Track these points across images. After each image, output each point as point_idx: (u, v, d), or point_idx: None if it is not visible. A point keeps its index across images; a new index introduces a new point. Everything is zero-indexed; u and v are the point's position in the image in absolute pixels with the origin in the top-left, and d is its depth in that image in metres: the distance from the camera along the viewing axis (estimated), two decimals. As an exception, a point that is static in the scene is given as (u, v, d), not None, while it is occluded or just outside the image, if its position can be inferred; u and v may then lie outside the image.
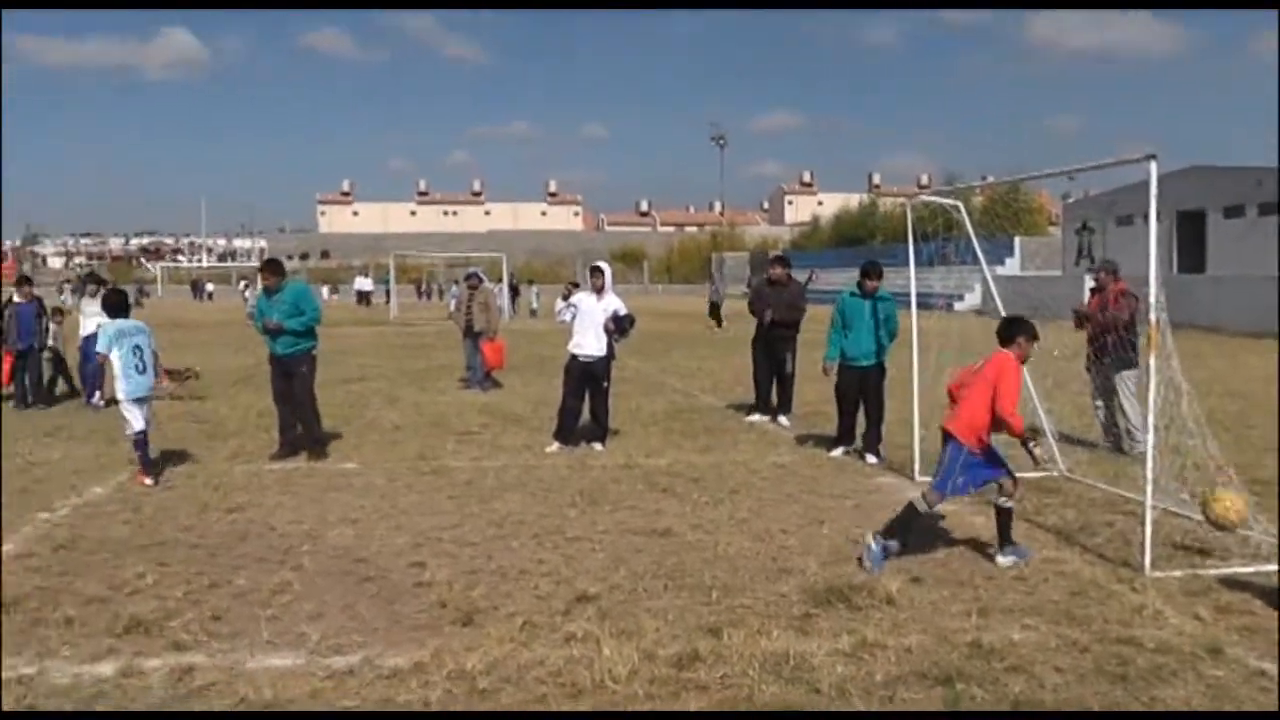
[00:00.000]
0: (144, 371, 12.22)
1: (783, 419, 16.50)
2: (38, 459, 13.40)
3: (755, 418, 16.72)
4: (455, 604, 7.67)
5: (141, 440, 12.08)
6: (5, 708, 6.01)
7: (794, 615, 7.47)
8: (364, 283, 78.75)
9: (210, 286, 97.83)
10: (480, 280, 22.15)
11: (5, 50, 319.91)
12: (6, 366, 18.35)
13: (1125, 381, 13.44)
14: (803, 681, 6.27)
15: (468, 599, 7.78)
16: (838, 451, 13.70)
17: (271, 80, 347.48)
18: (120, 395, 12.08)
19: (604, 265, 14.53)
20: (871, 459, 13.27)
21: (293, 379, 13.63)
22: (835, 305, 13.95)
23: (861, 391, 13.65)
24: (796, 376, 16.80)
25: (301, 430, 13.68)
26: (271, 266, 14.05)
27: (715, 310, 43.44)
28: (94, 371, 18.38)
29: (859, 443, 13.67)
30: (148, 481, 11.83)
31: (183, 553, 9.08)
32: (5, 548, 9.22)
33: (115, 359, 12.05)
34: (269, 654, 6.74)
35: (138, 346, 12.19)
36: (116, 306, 12.60)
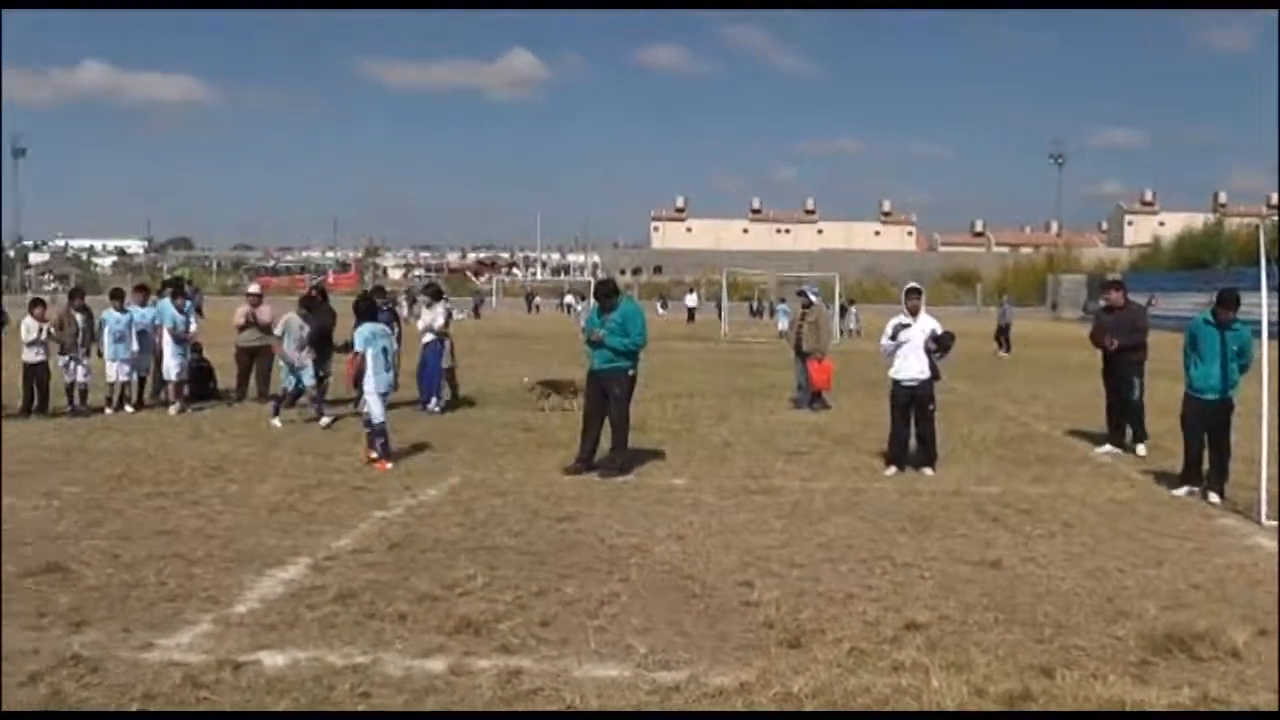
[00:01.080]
0: (389, 369, 13.68)
1: (1139, 448, 16.03)
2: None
3: (1105, 449, 16.25)
4: (782, 625, 7.71)
5: (382, 429, 13.38)
6: (338, 693, 6.35)
7: (1131, 661, 7.21)
8: (690, 299, 79.56)
9: (538, 299, 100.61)
10: (812, 300, 22.09)
11: (356, 73, 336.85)
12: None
13: None
14: (1139, 731, 6.09)
15: (795, 621, 7.81)
16: (1182, 490, 13.06)
17: (608, 97, 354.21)
18: (369, 389, 13.39)
19: (915, 285, 14.54)
20: (1214, 498, 12.67)
21: (608, 397, 13.85)
22: (1186, 331, 13.32)
23: (1208, 426, 13.00)
24: (1146, 404, 16.33)
25: (610, 448, 13.86)
26: (605, 287, 14.38)
27: (1003, 333, 42.24)
28: (429, 377, 19.15)
29: (1205, 481, 13.06)
30: (387, 466, 13.08)
31: (513, 557, 9.41)
32: (343, 543, 9.79)
33: (369, 357, 13.44)
34: (596, 664, 6.91)
35: (385, 348, 13.61)
36: (366, 311, 13.92)
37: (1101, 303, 16.64)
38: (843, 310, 54.55)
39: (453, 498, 11.86)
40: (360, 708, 6.17)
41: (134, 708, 6.08)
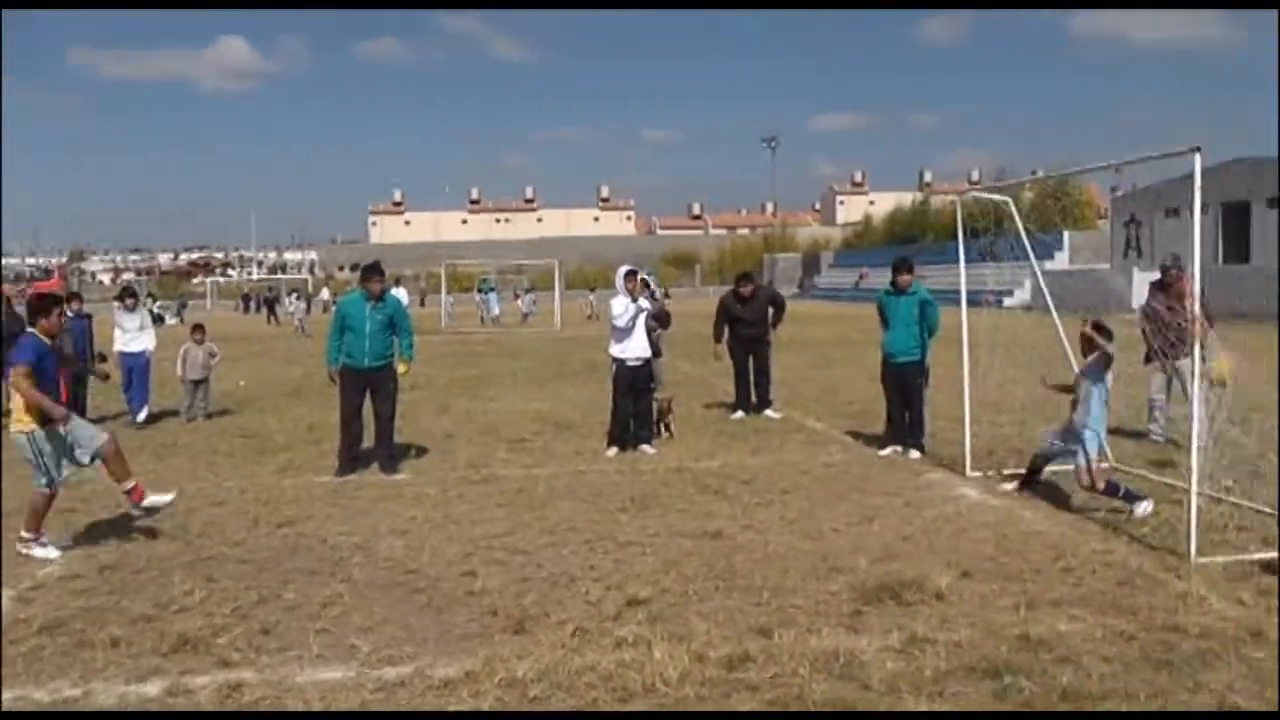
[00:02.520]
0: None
1: (769, 413, 17.32)
2: (84, 476, 13.44)
3: (738, 415, 17.40)
4: (506, 612, 7.72)
5: None
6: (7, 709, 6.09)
7: (844, 613, 7.52)
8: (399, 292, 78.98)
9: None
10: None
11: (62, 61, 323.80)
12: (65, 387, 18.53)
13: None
14: (853, 678, 6.32)
15: (519, 606, 7.83)
16: (887, 450, 13.74)
17: (323, 89, 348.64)
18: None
19: (633, 268, 14.82)
20: (914, 453, 13.40)
21: (376, 393, 13.51)
22: (876, 302, 14.37)
23: (901, 387, 13.79)
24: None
25: (376, 445, 13.63)
26: (374, 272, 13.74)
27: None
28: (135, 386, 18.53)
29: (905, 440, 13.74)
30: None
31: (231, 568, 9.14)
32: (49, 570, 9.30)
33: None
34: (319, 668, 6.79)
35: None
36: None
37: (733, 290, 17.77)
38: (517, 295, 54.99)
39: (168, 512, 11.43)
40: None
41: None
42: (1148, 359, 13.76)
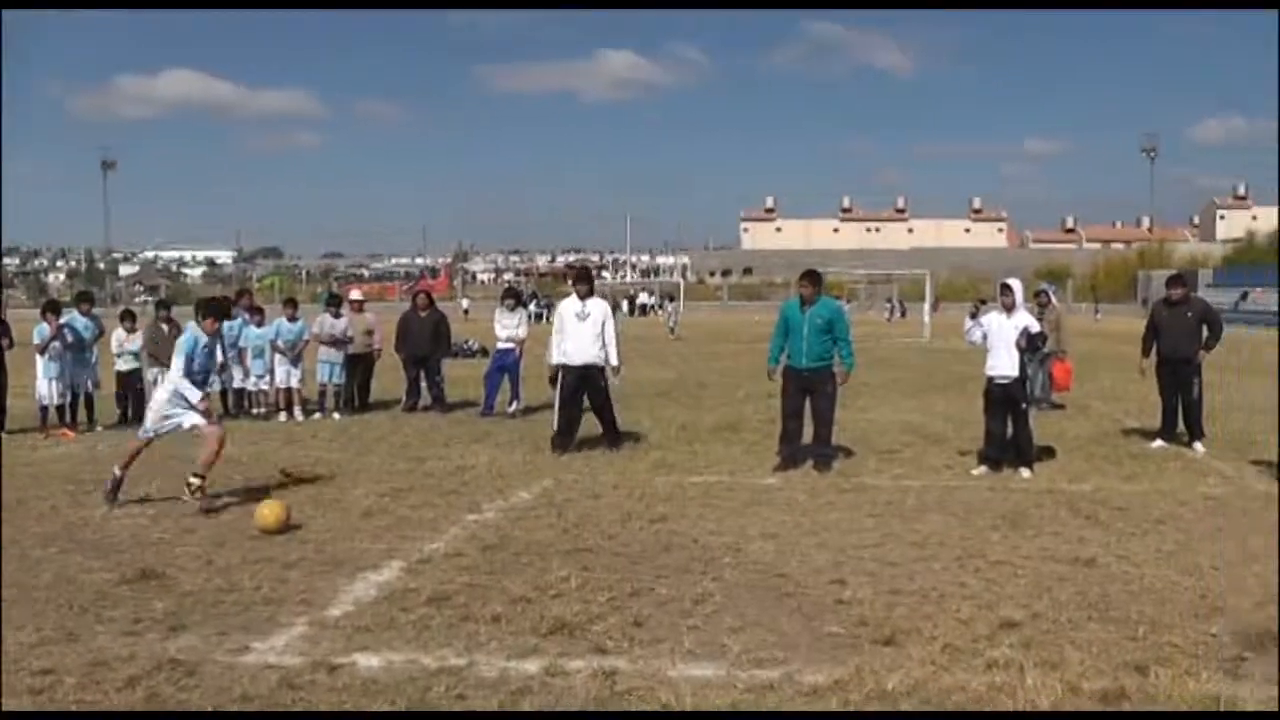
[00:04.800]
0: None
1: (1197, 445, 15.79)
2: (466, 463, 14.16)
3: (1157, 444, 16.07)
4: (876, 623, 7.67)
5: None
6: (434, 695, 6.39)
7: (1225, 657, 7.12)
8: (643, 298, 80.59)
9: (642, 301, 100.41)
10: (1049, 298, 21.74)
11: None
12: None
13: None
14: (1236, 726, 6.01)
15: (889, 619, 7.77)
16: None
17: (707, 96, 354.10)
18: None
19: (1014, 282, 14.10)
20: None
21: (815, 394, 13.97)
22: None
23: None
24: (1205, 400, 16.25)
25: (813, 443, 14.01)
26: (812, 277, 14.22)
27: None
28: (498, 382, 19.46)
29: None
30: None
31: (606, 559, 9.42)
32: (435, 546, 9.84)
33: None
34: (690, 663, 6.89)
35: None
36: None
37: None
38: (660, 305, 54.47)
39: (545, 500, 11.89)
40: (456, 709, 6.20)
41: (233, 708, 6.16)
42: None
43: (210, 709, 6.20)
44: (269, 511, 10.50)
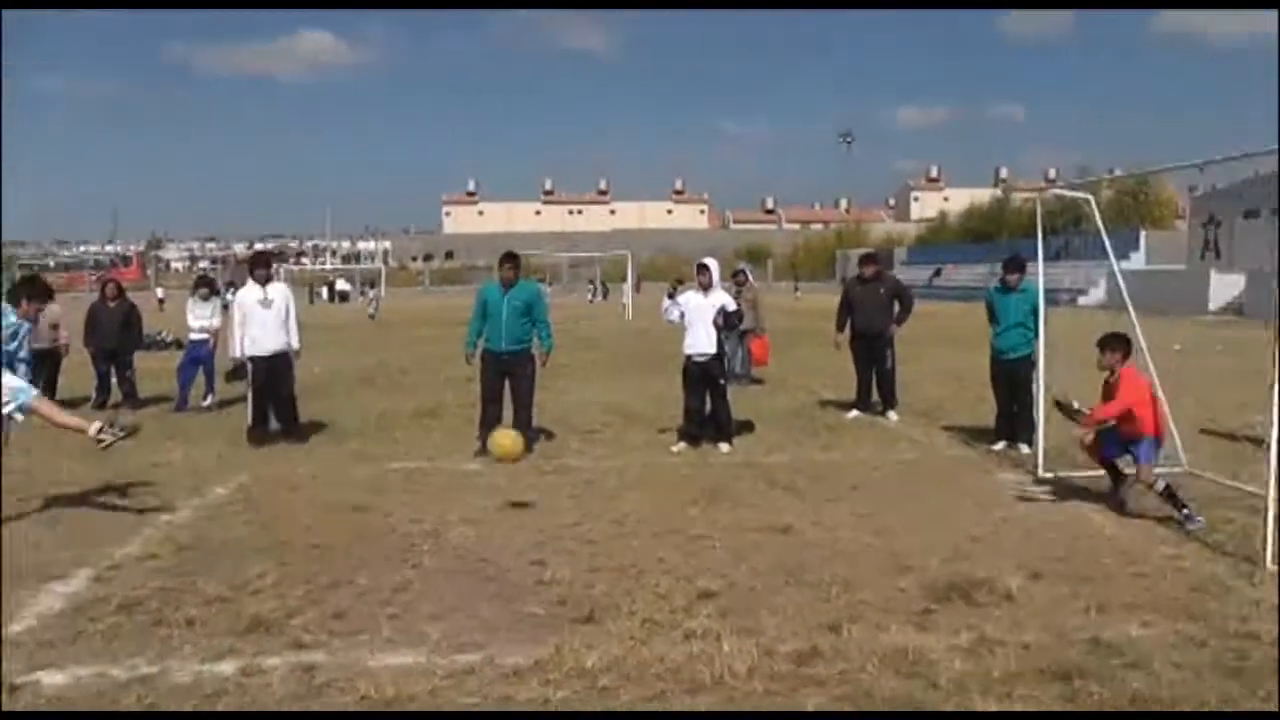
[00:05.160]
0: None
1: (891, 414, 16.57)
2: (160, 461, 13.70)
3: (853, 414, 16.75)
4: (576, 602, 7.76)
5: None
6: (128, 705, 6.19)
7: (914, 611, 7.51)
8: (342, 284, 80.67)
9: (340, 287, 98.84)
10: (747, 277, 22.26)
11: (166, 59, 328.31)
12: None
13: None
14: (921, 677, 6.31)
15: (588, 597, 7.87)
16: (999, 445, 13.88)
17: (404, 80, 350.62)
18: None
19: (710, 262, 14.43)
20: (1024, 448, 13.49)
21: (514, 377, 13.94)
22: (985, 299, 14.55)
23: (1012, 384, 13.92)
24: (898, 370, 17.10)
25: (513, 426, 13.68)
26: (512, 260, 14.23)
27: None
28: (193, 374, 18.85)
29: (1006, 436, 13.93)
30: None
31: (304, 552, 9.22)
32: (127, 550, 9.41)
33: None
34: (390, 652, 6.85)
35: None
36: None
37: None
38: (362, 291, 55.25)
39: (242, 495, 11.57)
40: (147, 720, 6.03)
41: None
42: None
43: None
44: (509, 441, 11.20)
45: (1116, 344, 10.58)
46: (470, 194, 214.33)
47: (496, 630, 7.25)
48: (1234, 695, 6.05)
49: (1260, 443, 11.35)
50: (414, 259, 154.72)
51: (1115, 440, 10.51)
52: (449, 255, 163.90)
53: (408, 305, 73.35)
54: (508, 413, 13.84)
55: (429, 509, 10.78)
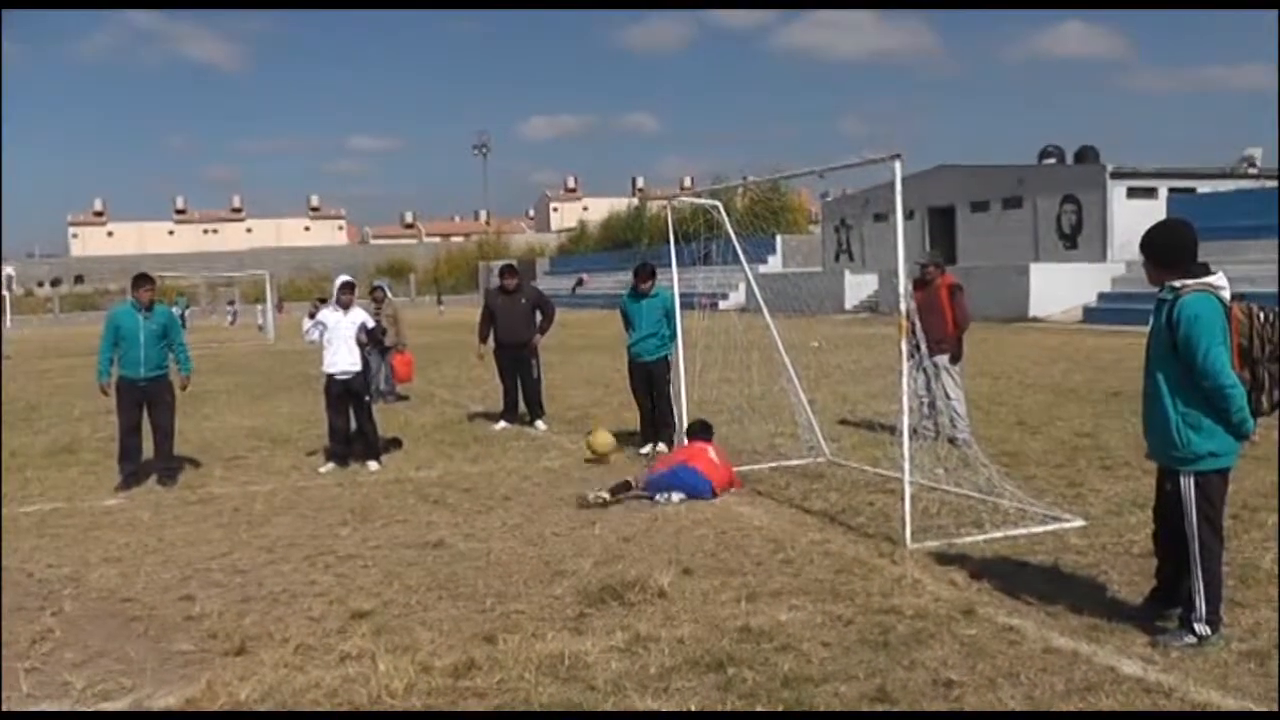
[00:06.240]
0: None
1: (538, 424, 16.74)
2: None
3: (501, 425, 16.86)
4: (226, 634, 7.53)
5: None
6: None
7: (568, 616, 7.59)
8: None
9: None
10: (385, 293, 21.89)
11: None
12: None
13: (952, 373, 13.74)
14: (579, 680, 6.39)
15: (239, 628, 7.65)
16: (646, 448, 14.10)
17: (16, 91, 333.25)
18: None
19: (350, 279, 14.49)
20: (662, 447, 13.84)
21: (154, 406, 13.39)
22: (619, 307, 14.75)
23: (650, 387, 14.21)
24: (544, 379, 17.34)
25: (154, 459, 13.39)
26: (147, 281, 13.60)
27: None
28: None
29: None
30: None
31: (-72, 608, 8.62)
32: None
33: None
34: (29, 708, 6.49)
35: None
36: None
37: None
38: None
39: None
40: None
41: None
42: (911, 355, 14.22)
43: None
44: (603, 439, 12.79)
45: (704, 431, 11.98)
46: (98, 214, 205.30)
47: (144, 671, 6.95)
48: (881, 666, 6.35)
49: (894, 430, 12.03)
50: (40, 284, 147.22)
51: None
52: (79, 279, 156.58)
53: (36, 335, 69.88)
54: (148, 443, 13.32)
55: (68, 551, 10.22)
